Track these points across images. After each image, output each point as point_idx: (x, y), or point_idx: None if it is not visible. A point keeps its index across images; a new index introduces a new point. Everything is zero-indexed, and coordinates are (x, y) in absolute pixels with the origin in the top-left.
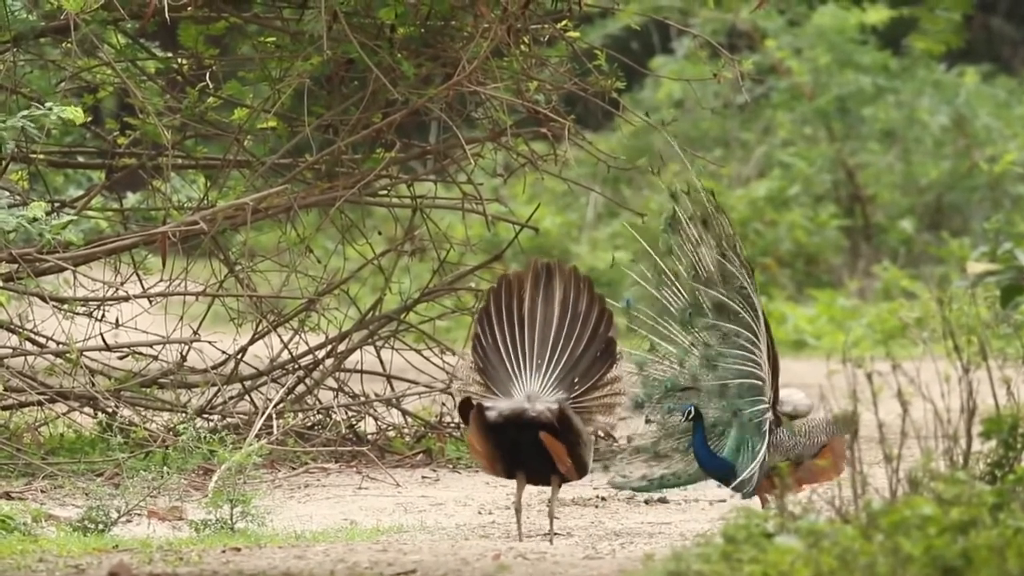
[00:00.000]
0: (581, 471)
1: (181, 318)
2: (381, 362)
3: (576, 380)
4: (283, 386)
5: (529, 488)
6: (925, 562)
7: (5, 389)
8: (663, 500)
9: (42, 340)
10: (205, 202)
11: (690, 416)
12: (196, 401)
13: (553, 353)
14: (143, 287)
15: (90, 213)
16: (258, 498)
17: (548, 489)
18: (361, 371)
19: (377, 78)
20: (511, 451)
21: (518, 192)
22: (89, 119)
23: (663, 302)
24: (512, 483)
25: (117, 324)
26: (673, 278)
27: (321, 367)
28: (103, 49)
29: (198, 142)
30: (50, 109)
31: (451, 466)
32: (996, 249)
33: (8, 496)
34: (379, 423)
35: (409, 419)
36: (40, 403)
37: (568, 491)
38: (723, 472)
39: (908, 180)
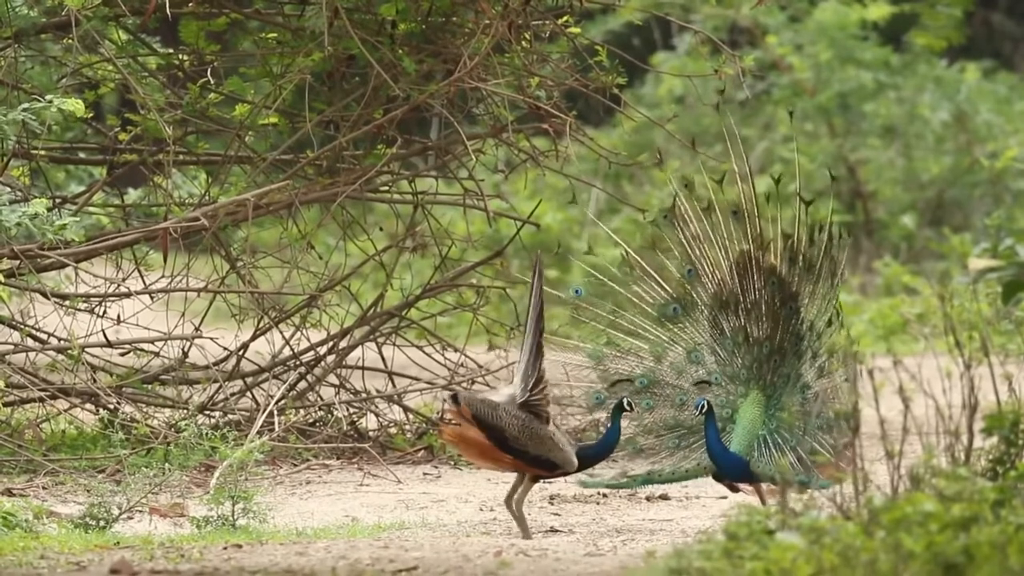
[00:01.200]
0: (539, 464)
1: (183, 314)
2: (383, 358)
3: (531, 372)
4: (285, 382)
5: (534, 486)
6: (927, 559)
7: (7, 385)
8: (664, 497)
9: (43, 336)
10: (206, 198)
11: (703, 411)
12: (198, 398)
13: (528, 344)
14: (144, 283)
15: (91, 209)
16: (260, 495)
17: (552, 484)
18: (363, 367)
19: (378, 74)
20: None
21: (519, 188)
22: (90, 115)
23: (631, 296)
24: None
25: (119, 320)
26: (656, 273)
27: (323, 363)
28: (104, 45)
29: (199, 138)
30: (50, 102)
31: (453, 463)
32: (997, 245)
33: (9, 493)
34: (381, 420)
35: (411, 415)
36: (42, 399)
37: (570, 488)
38: (737, 468)
39: (909, 176)
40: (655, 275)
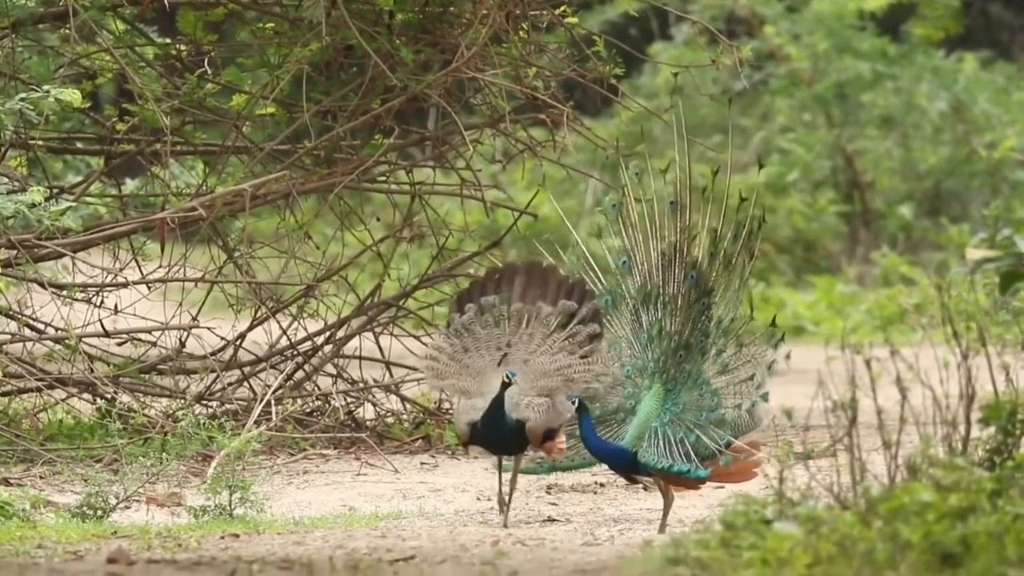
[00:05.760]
0: None
1: (180, 304)
2: (380, 348)
3: None
4: (282, 372)
5: (529, 477)
6: (923, 548)
7: (4, 375)
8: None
9: (41, 326)
10: (204, 188)
11: (576, 407)
12: (195, 387)
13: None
14: (142, 273)
15: (89, 199)
16: (257, 484)
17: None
18: (360, 357)
19: (376, 64)
20: None
21: (517, 178)
22: (88, 105)
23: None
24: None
25: (116, 310)
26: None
27: (320, 353)
28: (102, 35)
29: (197, 128)
30: (48, 92)
31: (450, 452)
32: (995, 235)
33: (7, 482)
34: (378, 409)
35: (408, 405)
36: (39, 389)
37: (567, 477)
38: (621, 459)
39: (907, 166)
40: (593, 265)
